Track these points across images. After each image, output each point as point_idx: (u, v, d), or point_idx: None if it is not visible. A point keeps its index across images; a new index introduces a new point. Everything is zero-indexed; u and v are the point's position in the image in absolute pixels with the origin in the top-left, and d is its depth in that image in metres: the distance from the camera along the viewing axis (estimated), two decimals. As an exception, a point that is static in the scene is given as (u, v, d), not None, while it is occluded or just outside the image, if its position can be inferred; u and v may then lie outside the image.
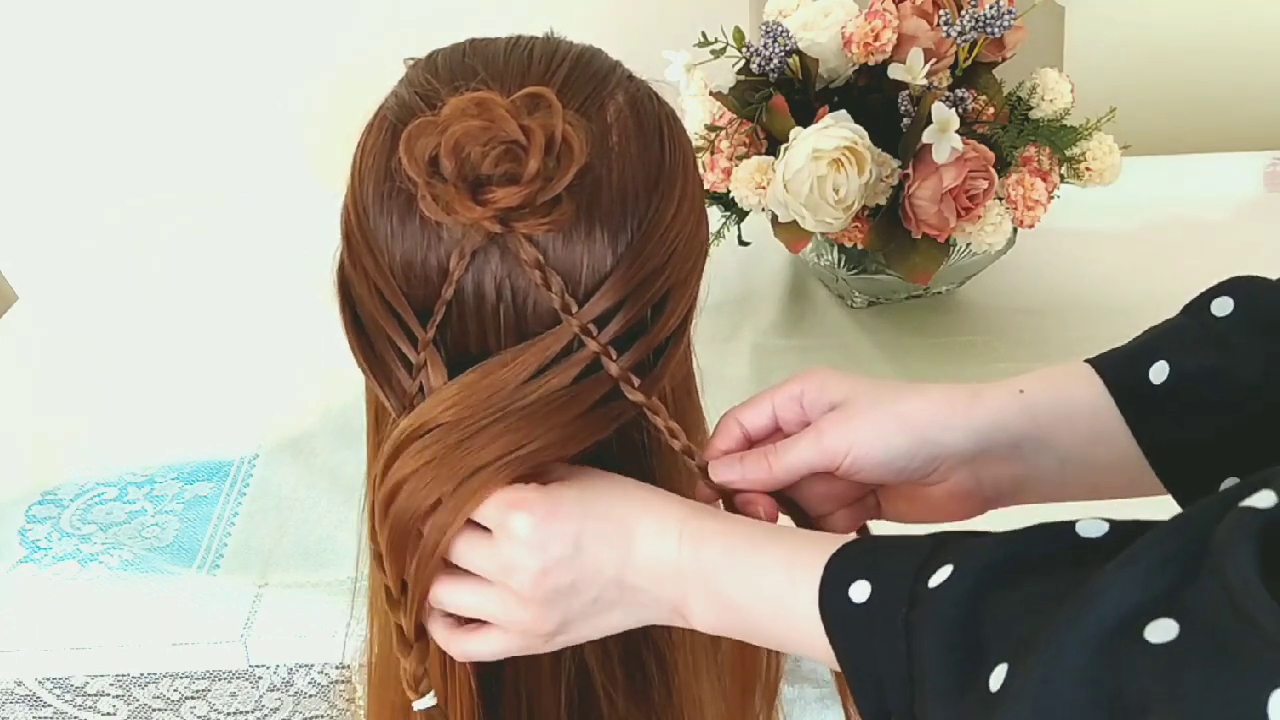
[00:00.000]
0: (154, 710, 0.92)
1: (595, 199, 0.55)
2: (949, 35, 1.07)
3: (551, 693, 0.64)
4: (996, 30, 1.07)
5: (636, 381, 0.57)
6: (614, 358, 0.56)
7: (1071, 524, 0.47)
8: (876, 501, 0.66)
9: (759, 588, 0.54)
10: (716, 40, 1.10)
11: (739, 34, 1.10)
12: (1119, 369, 0.61)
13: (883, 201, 1.06)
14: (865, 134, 1.03)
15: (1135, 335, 0.63)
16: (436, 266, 0.56)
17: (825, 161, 1.01)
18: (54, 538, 0.98)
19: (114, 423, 1.12)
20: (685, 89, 1.13)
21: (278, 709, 0.92)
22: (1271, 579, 0.37)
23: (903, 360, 1.15)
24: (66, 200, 1.75)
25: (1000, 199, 1.07)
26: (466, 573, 0.58)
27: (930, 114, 1.01)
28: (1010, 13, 1.07)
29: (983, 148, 1.04)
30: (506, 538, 0.55)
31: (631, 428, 0.60)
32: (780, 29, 1.07)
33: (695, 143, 0.98)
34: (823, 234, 1.07)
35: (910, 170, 1.04)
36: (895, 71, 1.05)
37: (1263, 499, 0.39)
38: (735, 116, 1.10)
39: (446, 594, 0.58)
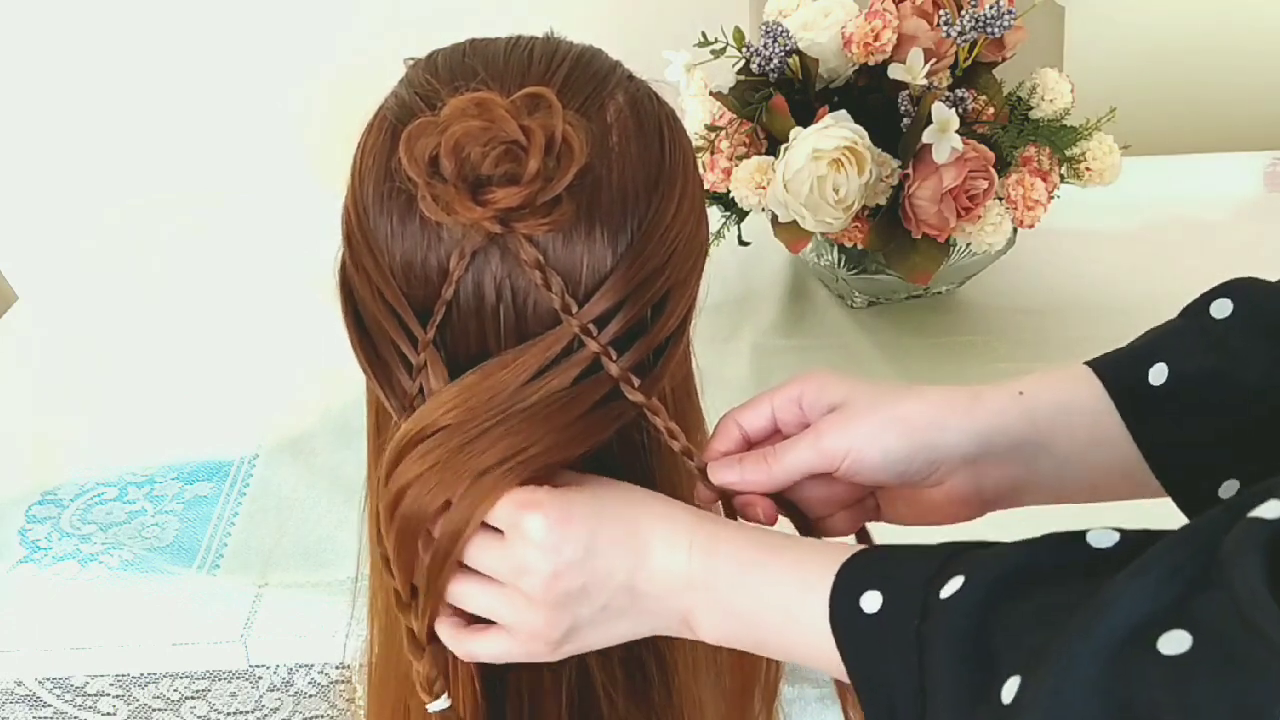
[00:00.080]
0: (154, 710, 0.92)
1: (595, 199, 0.55)
2: (949, 35, 1.07)
3: (553, 693, 0.64)
4: (996, 30, 1.07)
5: (636, 382, 0.57)
6: (614, 358, 0.56)
7: (1082, 534, 0.46)
8: (875, 503, 0.65)
9: (768, 597, 0.54)
10: (716, 40, 1.10)
11: (739, 34, 1.10)
12: (1118, 371, 0.61)
13: (883, 201, 1.06)
14: (865, 134, 1.03)
15: (1135, 335, 0.63)
16: (436, 267, 0.56)
17: (825, 161, 1.01)
18: (54, 538, 0.98)
19: (114, 423, 1.12)
20: (685, 89, 1.13)
21: (278, 709, 0.92)
22: (1279, 589, 0.37)
23: (903, 360, 1.15)
24: (66, 200, 1.75)
25: (1000, 199, 1.07)
26: (478, 572, 0.58)
27: (930, 114, 1.01)
28: (1010, 13, 1.07)
29: (983, 148, 1.04)
30: (519, 539, 0.55)
31: (631, 428, 0.60)
32: (780, 29, 1.07)
33: (695, 143, 0.98)
34: (823, 234, 1.07)
35: (910, 170, 1.04)
36: (895, 71, 1.05)
37: (1270, 509, 0.39)
38: (735, 116, 1.10)
39: (457, 590, 0.58)
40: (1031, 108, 1.12)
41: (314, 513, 1.00)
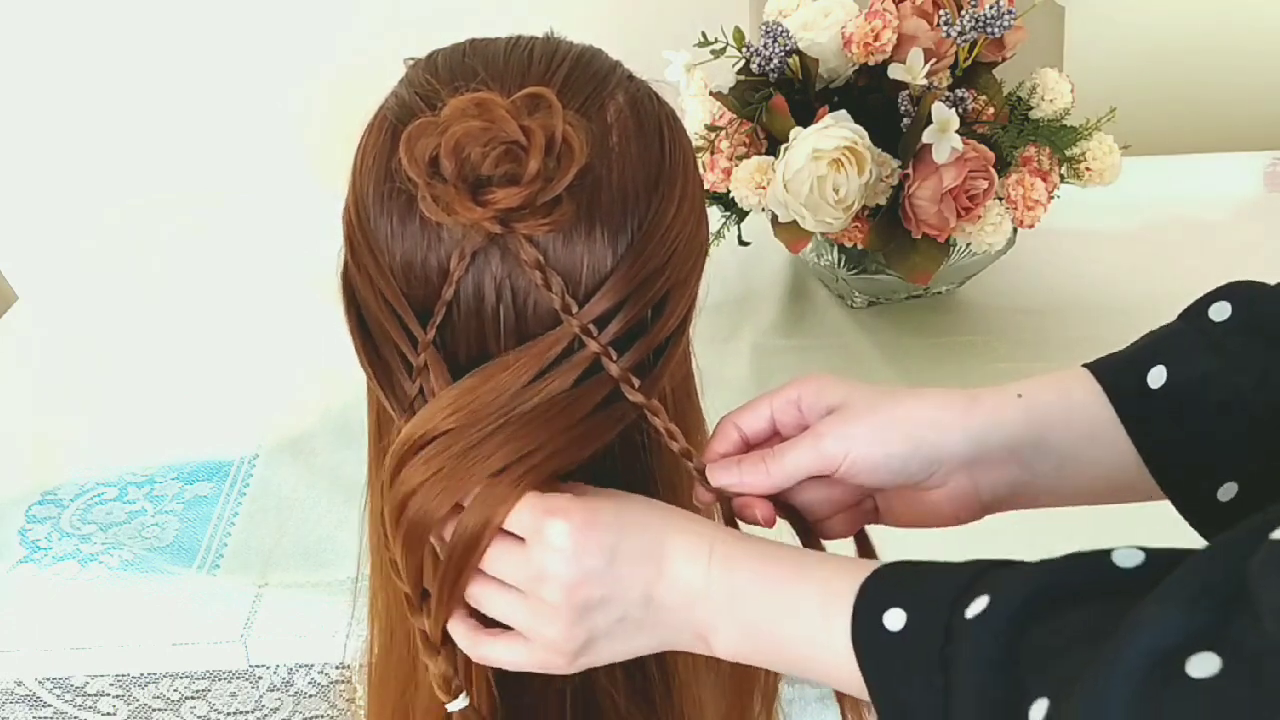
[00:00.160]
0: (154, 710, 0.92)
1: (595, 199, 0.55)
2: (949, 35, 1.07)
3: (555, 692, 0.64)
4: (996, 30, 1.07)
5: (636, 382, 0.57)
6: (614, 358, 0.56)
7: (1108, 553, 0.46)
8: (874, 505, 0.65)
9: (788, 612, 0.53)
10: (716, 40, 1.10)
11: (739, 34, 1.10)
12: (1117, 373, 0.61)
13: (883, 201, 1.06)
14: (865, 134, 1.03)
15: (1135, 336, 0.63)
16: (437, 267, 0.56)
17: (825, 161, 1.01)
18: (54, 538, 0.98)
19: (114, 423, 1.12)
20: (685, 89, 1.13)
21: (278, 709, 0.92)
22: None
23: (902, 360, 1.15)
24: (66, 200, 1.75)
25: (1000, 199, 1.07)
26: (496, 579, 0.57)
27: (930, 114, 1.01)
28: (1010, 13, 1.07)
29: (983, 148, 1.04)
30: (541, 545, 0.55)
31: (631, 429, 0.60)
32: (780, 29, 1.07)
33: (695, 143, 0.98)
34: (823, 234, 1.07)
35: (910, 170, 1.04)
36: (895, 71, 1.05)
37: None
38: (735, 116, 1.10)
39: (476, 592, 0.58)
40: (1031, 108, 1.12)
41: (314, 513, 1.00)
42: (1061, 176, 1.10)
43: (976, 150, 1.03)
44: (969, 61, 1.09)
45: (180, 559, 0.95)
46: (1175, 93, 1.61)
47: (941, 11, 1.08)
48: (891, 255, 1.08)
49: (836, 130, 1.02)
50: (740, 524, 0.62)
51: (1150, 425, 0.59)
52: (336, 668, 0.90)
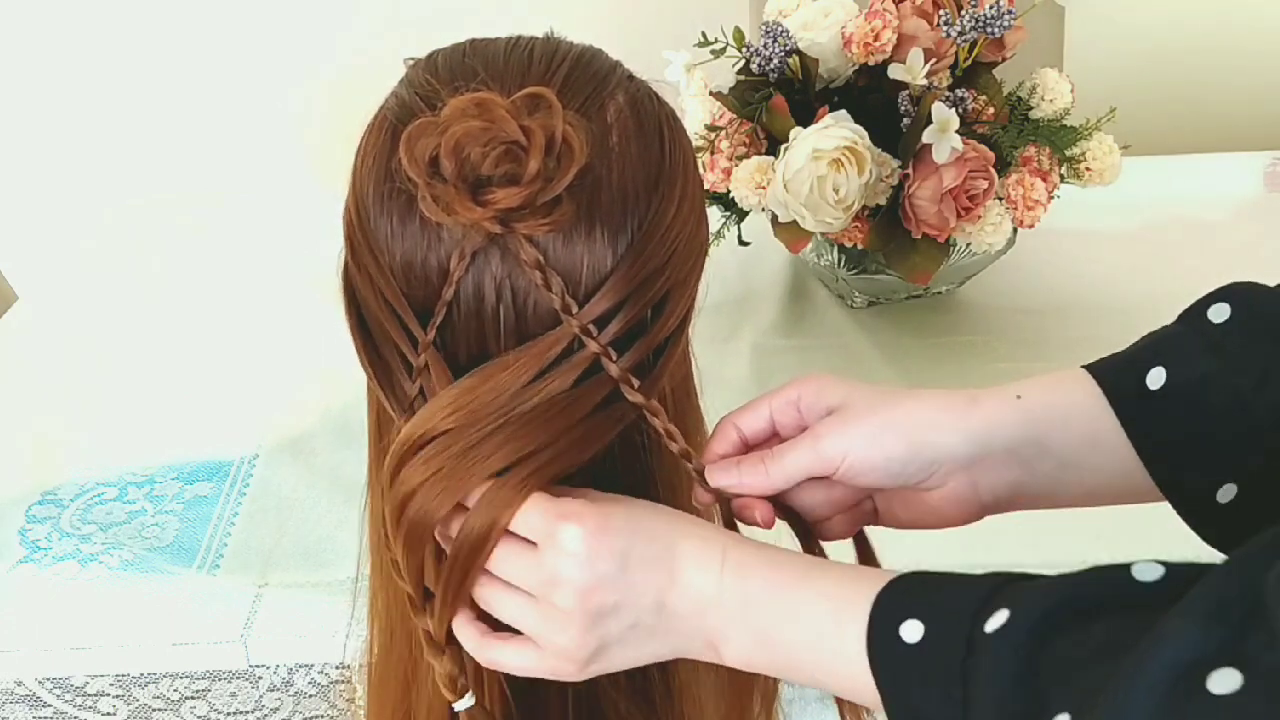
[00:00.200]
0: (154, 710, 0.92)
1: (595, 199, 0.55)
2: (949, 35, 1.07)
3: (556, 692, 0.63)
4: (996, 30, 1.07)
5: (636, 383, 0.57)
6: (614, 359, 0.56)
7: (1127, 567, 0.46)
8: (874, 506, 0.65)
9: (800, 620, 0.53)
10: (716, 40, 1.10)
11: (739, 34, 1.10)
12: (1116, 375, 0.60)
13: (883, 201, 1.06)
14: (865, 134, 1.03)
15: (1135, 336, 0.63)
16: (436, 267, 0.56)
17: (825, 161, 1.01)
18: (54, 538, 0.98)
19: (114, 423, 1.12)
20: (685, 89, 1.13)
21: (278, 709, 0.92)
22: None
23: (903, 360, 1.15)
24: (66, 200, 1.75)
25: (1000, 199, 1.07)
26: (506, 582, 0.57)
27: (930, 114, 1.01)
28: (1010, 13, 1.07)
29: (983, 148, 1.04)
30: (553, 549, 0.54)
31: (631, 429, 0.60)
32: (780, 29, 1.07)
33: (695, 143, 0.98)
34: (823, 234, 1.07)
35: (910, 170, 1.04)
36: (895, 71, 1.05)
37: None
38: (735, 116, 1.10)
39: (485, 594, 0.57)
40: (1031, 108, 1.12)
41: (314, 513, 1.00)
42: (1061, 176, 1.10)
43: (976, 150, 1.03)
44: (969, 61, 1.09)
45: (180, 559, 0.95)
46: (1175, 93, 1.61)
47: (941, 11, 1.08)
48: (891, 255, 1.08)
49: (836, 130, 1.02)
50: (739, 525, 0.62)
51: (1150, 426, 0.59)
52: (336, 668, 0.90)
